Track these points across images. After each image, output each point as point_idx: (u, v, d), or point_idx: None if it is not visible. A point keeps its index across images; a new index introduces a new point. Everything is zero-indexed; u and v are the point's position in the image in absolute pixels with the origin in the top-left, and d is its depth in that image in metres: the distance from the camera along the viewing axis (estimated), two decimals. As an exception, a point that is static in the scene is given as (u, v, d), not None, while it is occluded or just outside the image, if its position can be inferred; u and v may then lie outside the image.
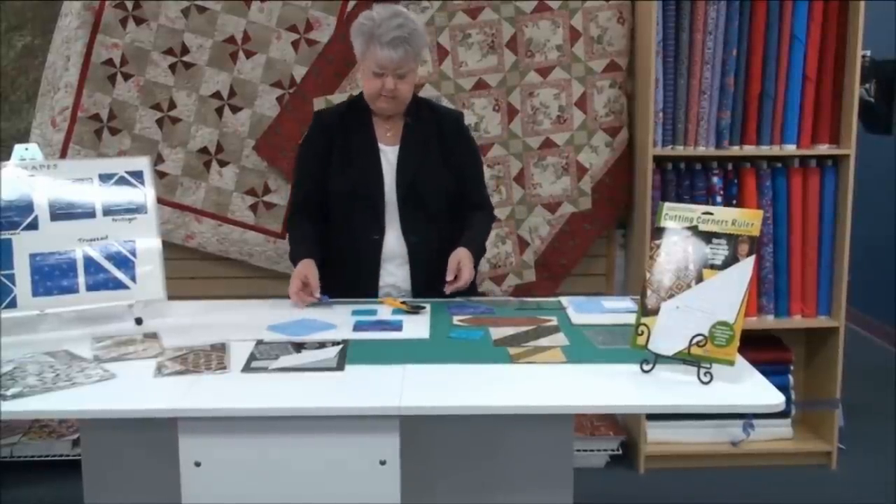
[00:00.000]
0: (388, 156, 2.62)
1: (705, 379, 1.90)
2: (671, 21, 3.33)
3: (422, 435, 1.99)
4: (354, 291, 2.57)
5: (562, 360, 2.05)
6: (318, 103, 3.49)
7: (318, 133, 2.66)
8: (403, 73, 2.51)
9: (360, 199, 2.60)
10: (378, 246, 2.61)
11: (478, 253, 2.62)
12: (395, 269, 2.63)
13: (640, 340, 1.99)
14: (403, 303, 2.47)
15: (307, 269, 2.51)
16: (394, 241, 2.61)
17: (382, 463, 1.81)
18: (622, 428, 3.57)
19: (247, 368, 1.99)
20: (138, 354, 2.09)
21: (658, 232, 2.04)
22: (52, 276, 2.29)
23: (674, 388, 1.89)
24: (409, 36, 2.47)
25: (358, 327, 2.29)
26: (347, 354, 2.07)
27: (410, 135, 2.63)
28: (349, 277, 2.61)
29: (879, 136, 4.84)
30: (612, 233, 3.72)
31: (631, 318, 2.13)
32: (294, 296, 2.49)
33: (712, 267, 1.96)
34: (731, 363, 1.92)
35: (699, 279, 1.97)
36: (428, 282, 2.58)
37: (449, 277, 2.46)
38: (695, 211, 2.01)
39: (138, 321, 2.32)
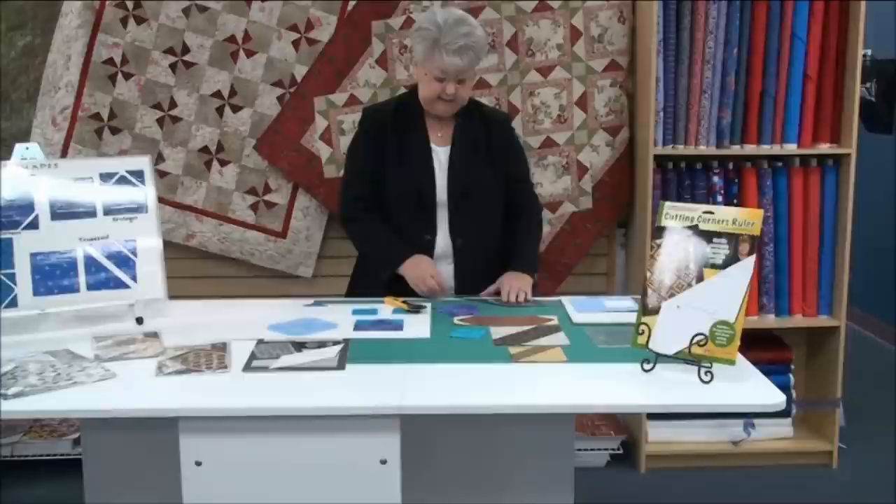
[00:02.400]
0: (440, 156, 2.64)
1: (706, 378, 1.89)
2: (672, 20, 3.33)
3: (422, 434, 1.98)
4: (408, 289, 2.58)
5: (562, 360, 2.05)
6: (319, 103, 3.49)
7: (371, 133, 2.66)
8: (464, 77, 2.54)
9: (414, 199, 2.62)
10: (430, 246, 2.64)
11: (532, 267, 2.68)
12: (444, 268, 2.64)
13: (641, 340, 1.99)
14: (404, 302, 2.47)
15: (433, 269, 2.56)
16: (443, 241, 2.65)
17: (383, 462, 1.81)
18: (623, 427, 3.57)
19: (247, 368, 1.99)
20: (139, 354, 2.09)
21: (659, 231, 2.04)
22: (53, 276, 2.28)
23: (674, 388, 1.89)
24: (474, 44, 2.50)
25: (359, 327, 2.30)
26: (348, 354, 2.07)
27: (461, 136, 2.65)
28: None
29: (880, 136, 4.84)
30: (613, 232, 3.72)
31: (632, 318, 2.13)
32: (430, 288, 2.53)
33: (713, 266, 1.96)
34: (732, 362, 1.92)
35: (700, 278, 1.97)
36: (474, 282, 2.62)
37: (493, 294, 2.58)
38: (695, 210, 2.01)
39: (139, 320, 2.32)
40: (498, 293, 2.58)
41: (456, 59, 2.48)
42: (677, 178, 3.46)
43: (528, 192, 2.83)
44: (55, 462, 3.35)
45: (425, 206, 2.63)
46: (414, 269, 2.56)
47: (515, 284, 2.56)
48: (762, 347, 3.40)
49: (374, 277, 2.65)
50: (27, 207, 2.29)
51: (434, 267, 2.58)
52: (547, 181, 3.57)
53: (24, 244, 2.27)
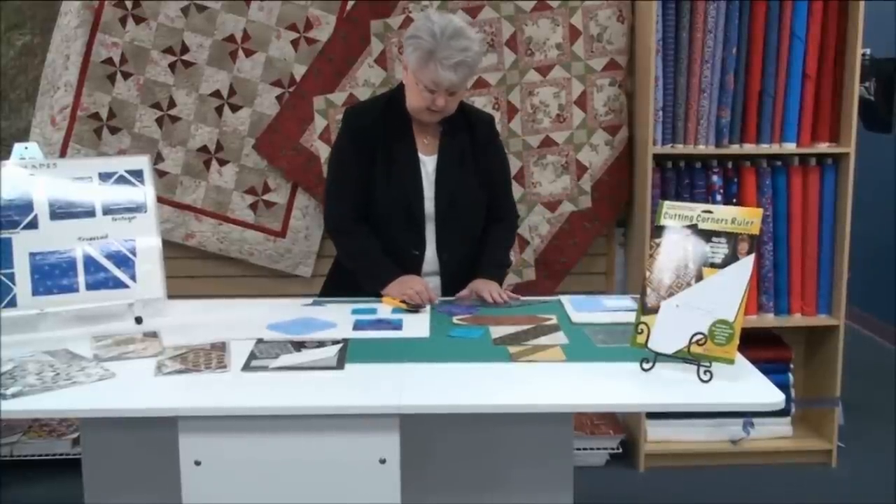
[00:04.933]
0: (427, 167, 2.60)
1: (705, 377, 1.90)
2: (671, 19, 3.33)
3: (422, 433, 1.98)
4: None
5: (562, 359, 2.05)
6: (318, 102, 3.48)
7: (358, 137, 2.58)
8: (456, 90, 2.48)
9: (403, 215, 2.58)
10: (419, 262, 2.61)
11: (499, 275, 2.68)
12: (430, 279, 2.62)
13: (640, 339, 1.99)
14: (403, 301, 2.47)
15: (418, 284, 2.50)
16: (430, 255, 2.62)
17: (382, 462, 1.82)
18: (622, 426, 3.57)
19: (247, 367, 1.99)
20: (138, 353, 2.09)
21: (658, 230, 2.04)
22: (52, 275, 2.28)
23: (674, 387, 1.89)
24: (470, 59, 2.43)
25: (358, 326, 2.30)
26: (347, 353, 2.07)
27: (447, 146, 2.61)
28: None
29: (879, 135, 4.83)
30: (612, 231, 3.72)
31: (631, 317, 2.13)
32: (420, 294, 2.47)
33: (712, 265, 1.96)
34: (731, 362, 1.92)
35: (699, 278, 1.97)
36: (457, 291, 2.61)
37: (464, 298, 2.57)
38: (694, 209, 2.01)
39: (138, 320, 2.32)
40: (472, 297, 2.58)
41: (450, 74, 2.40)
42: (676, 178, 3.46)
43: (507, 195, 2.79)
44: (54, 462, 3.35)
45: (414, 221, 2.58)
46: (402, 289, 2.50)
47: (493, 288, 2.55)
48: (761, 346, 3.40)
49: (352, 286, 2.60)
50: (26, 207, 2.29)
51: (421, 283, 2.52)
52: (546, 180, 3.57)
53: (24, 244, 2.27)
